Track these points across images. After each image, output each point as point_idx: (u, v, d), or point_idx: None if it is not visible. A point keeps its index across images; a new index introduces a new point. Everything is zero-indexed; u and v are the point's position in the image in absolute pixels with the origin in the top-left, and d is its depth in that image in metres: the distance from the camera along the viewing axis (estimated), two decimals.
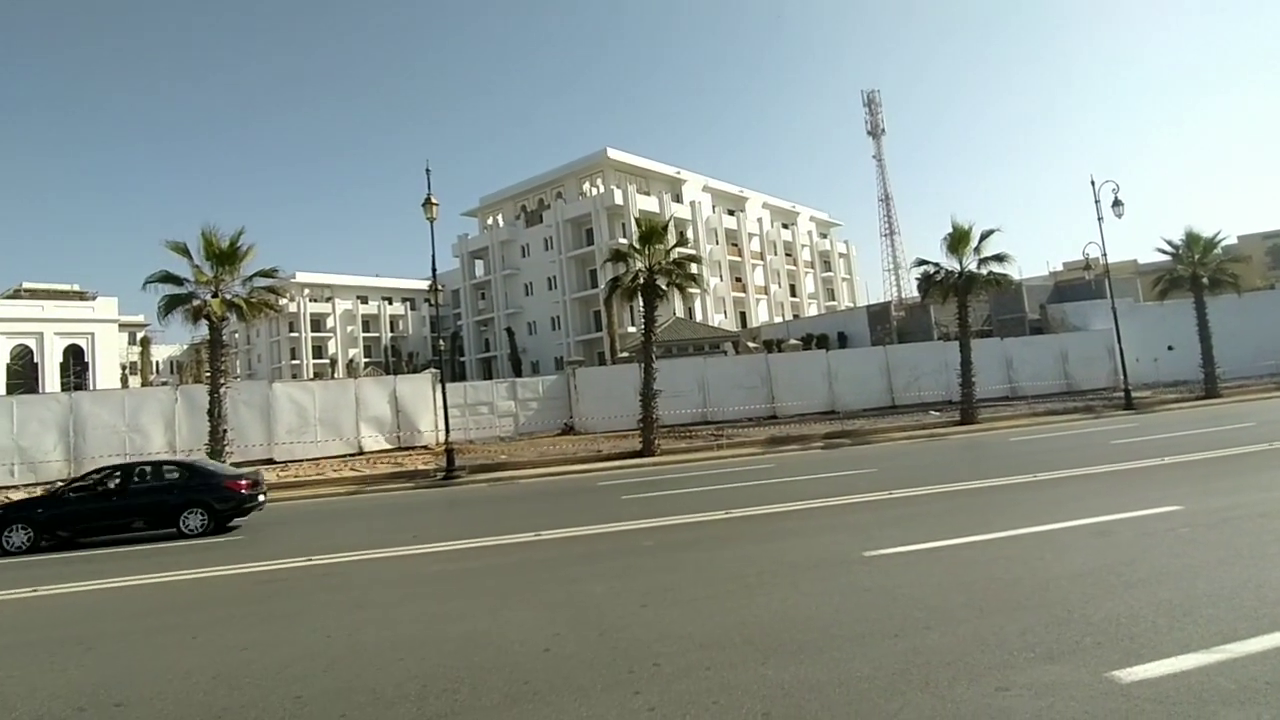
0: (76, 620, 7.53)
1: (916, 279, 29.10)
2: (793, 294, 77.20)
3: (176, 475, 13.59)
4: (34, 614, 8.00)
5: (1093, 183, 28.53)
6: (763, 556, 8.00)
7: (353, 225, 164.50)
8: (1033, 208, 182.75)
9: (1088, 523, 8.33)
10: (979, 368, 27.11)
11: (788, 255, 77.79)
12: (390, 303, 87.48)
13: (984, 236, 26.14)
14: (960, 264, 26.40)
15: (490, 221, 72.75)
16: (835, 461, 17.98)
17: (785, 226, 79.05)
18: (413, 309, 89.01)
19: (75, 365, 44.96)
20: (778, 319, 69.56)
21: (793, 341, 47.26)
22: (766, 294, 73.09)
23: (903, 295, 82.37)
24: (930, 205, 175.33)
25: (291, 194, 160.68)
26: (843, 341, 49.03)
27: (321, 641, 5.96)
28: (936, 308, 39.89)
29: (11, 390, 39.29)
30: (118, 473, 13.57)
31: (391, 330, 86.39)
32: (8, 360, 43.04)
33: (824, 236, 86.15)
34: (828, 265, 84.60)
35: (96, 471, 14.00)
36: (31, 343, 43.97)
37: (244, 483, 13.50)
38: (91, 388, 40.50)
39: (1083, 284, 43.44)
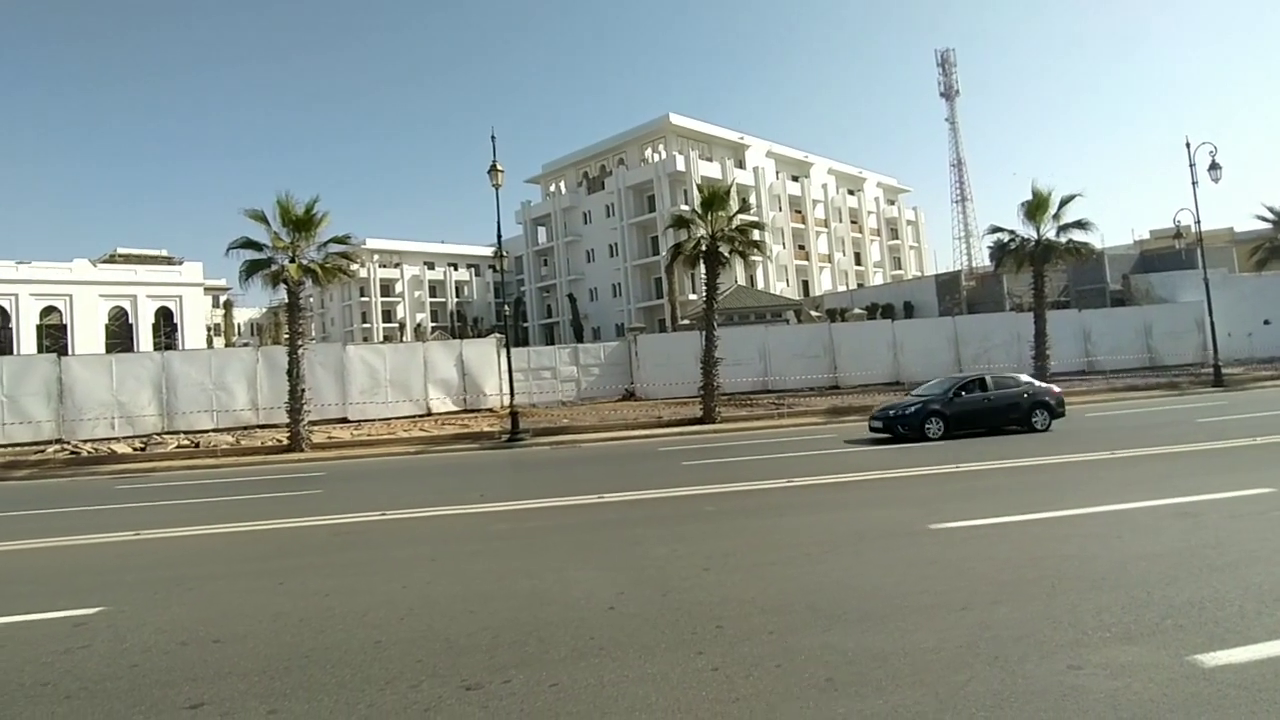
0: (178, 563, 8.07)
1: (989, 247, 28.09)
2: (857, 262, 75.38)
3: None
4: (137, 556, 8.60)
5: (1188, 145, 26.80)
6: (825, 526, 7.99)
7: (420, 194, 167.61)
8: (1118, 173, 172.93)
9: (1170, 503, 8.01)
10: (1054, 340, 26.09)
11: (853, 222, 75.81)
12: (455, 269, 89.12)
13: (1064, 202, 24.96)
14: (1038, 231, 25.32)
15: (553, 188, 73.08)
16: None
17: (851, 193, 76.93)
18: (477, 275, 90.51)
19: (165, 326, 47.55)
20: (841, 288, 68.14)
21: (857, 311, 46.28)
22: (830, 262, 71.57)
23: (973, 264, 79.59)
24: (1004, 171, 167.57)
25: (362, 164, 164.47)
26: (909, 311, 47.77)
27: (397, 591, 6.25)
28: (1009, 277, 38.37)
29: (110, 349, 41.92)
30: None
31: (457, 296, 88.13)
32: (106, 321, 45.81)
33: (891, 203, 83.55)
34: (895, 233, 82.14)
35: None
36: (126, 305, 46.65)
37: None
38: (180, 348, 42.82)
39: (1172, 253, 41.09)
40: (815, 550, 6.89)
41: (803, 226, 68.88)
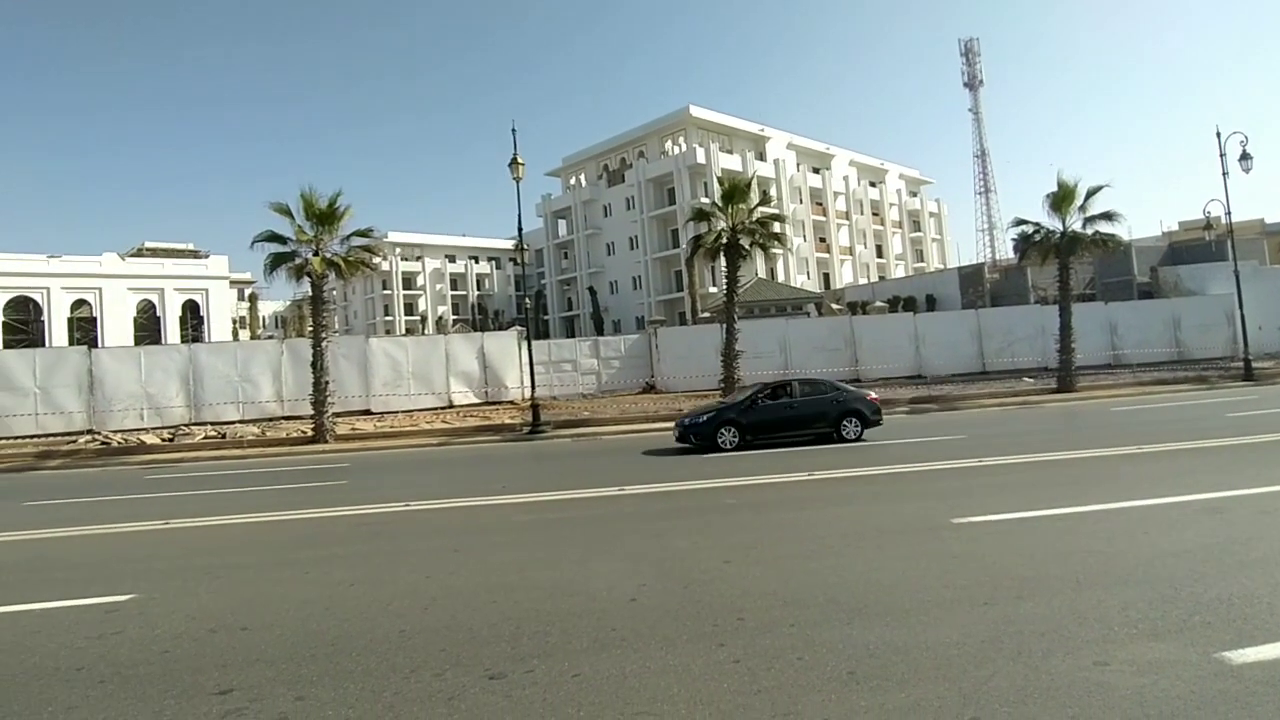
0: (206, 552, 8.23)
1: (1013, 240, 27.72)
2: (879, 255, 74.66)
3: None
4: (167, 544, 8.78)
5: (1218, 134, 26.21)
6: (846, 519, 7.97)
7: (440, 187, 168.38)
8: (1147, 163, 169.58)
9: (1198, 498, 7.89)
10: (1080, 333, 25.70)
11: (874, 214, 75.05)
12: (476, 261, 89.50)
13: (1090, 194, 24.51)
14: (1063, 223, 24.89)
15: (573, 181, 73.09)
16: (922, 427, 17.56)
17: (873, 185, 76.13)
18: (498, 268, 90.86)
19: (192, 319, 48.27)
20: (862, 280, 67.54)
21: (878, 304, 45.89)
22: (851, 254, 70.98)
23: (997, 256, 78.50)
24: (1029, 162, 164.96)
25: (383, 157, 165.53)
26: (931, 304, 47.27)
27: (421, 581, 6.33)
28: (1034, 270, 37.75)
29: (138, 342, 42.63)
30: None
31: (478, 289, 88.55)
32: (134, 314, 46.58)
33: (914, 195, 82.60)
34: (917, 225, 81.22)
35: None
36: (154, 298, 47.36)
37: None
38: (207, 340, 43.44)
39: (1201, 245, 40.21)
40: (837, 543, 6.88)
41: (824, 219, 68.33)
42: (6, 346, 37.34)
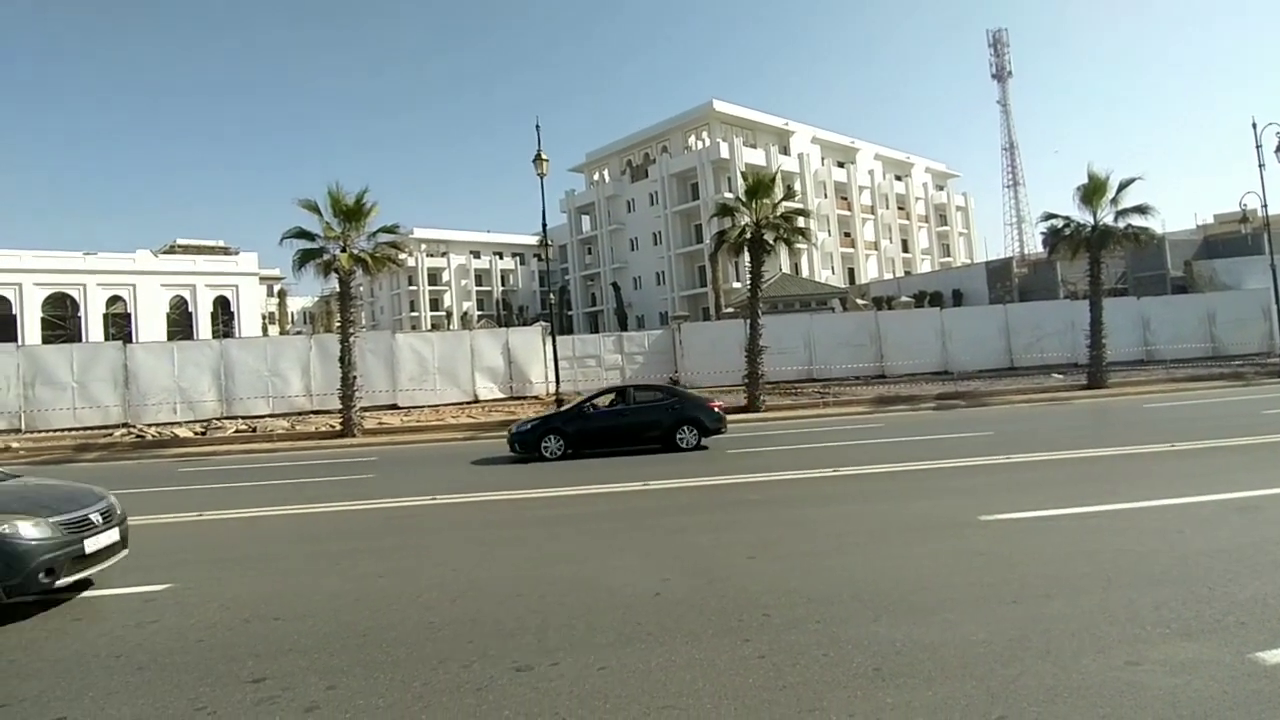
0: (239, 543, 8.42)
1: (1042, 233, 27.23)
2: (905, 249, 73.87)
3: None
4: (201, 535, 8.98)
5: (1254, 125, 25.62)
6: (871, 516, 7.93)
7: (465, 184, 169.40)
8: (1181, 156, 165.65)
9: (1233, 497, 7.74)
10: (1111, 329, 25.23)
11: (900, 208, 74.24)
12: (501, 257, 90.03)
13: (1123, 186, 24.03)
14: (1094, 217, 24.43)
15: (596, 177, 73.20)
16: (948, 423, 17.37)
17: (898, 178, 75.28)
18: (522, 264, 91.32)
19: (223, 315, 49.16)
20: (888, 275, 66.88)
21: (904, 299, 45.42)
22: (877, 249, 70.31)
23: (1026, 251, 77.26)
24: (1059, 155, 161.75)
25: (408, 155, 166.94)
26: (958, 299, 46.71)
27: (448, 574, 6.42)
28: (1064, 264, 37.16)
29: (171, 337, 43.54)
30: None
31: (502, 284, 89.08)
32: (168, 310, 47.55)
33: (940, 189, 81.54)
34: (943, 219, 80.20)
35: None
36: (186, 294, 48.31)
37: None
38: (237, 336, 44.22)
39: (1237, 238, 39.33)
40: (862, 540, 6.85)
41: (849, 213, 67.75)
42: (45, 342, 38.28)
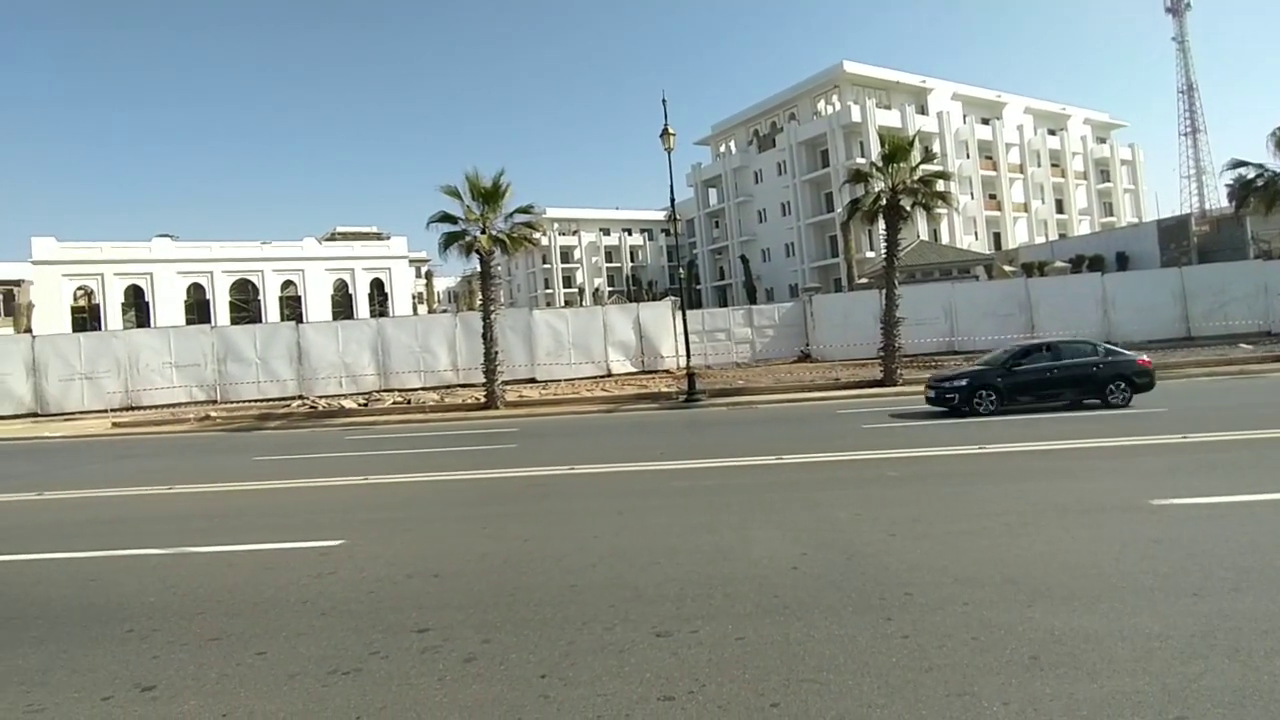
0: (399, 506, 9.14)
1: (1228, 185, 24.25)
2: (1059, 210, 67.85)
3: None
4: (366, 498, 9.82)
5: None
6: (1025, 496, 7.45)
7: (593, 162, 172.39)
8: None
9: None
10: None
11: (1054, 165, 68.03)
12: (629, 234, 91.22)
13: None
14: None
15: (722, 149, 72.22)
16: None
17: (1052, 132, 68.88)
18: (650, 239, 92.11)
19: (378, 295, 53.13)
20: (1039, 239, 61.79)
21: (1059, 264, 41.87)
22: (1026, 211, 65.00)
23: (1207, 206, 68.86)
24: (1246, 97, 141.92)
25: (539, 136, 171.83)
26: (1122, 263, 42.48)
27: (589, 540, 6.67)
28: (1254, 220, 32.83)
29: (335, 317, 47.64)
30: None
31: (631, 260, 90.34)
32: (331, 292, 51.98)
33: (1102, 141, 73.96)
34: (1105, 175, 72.77)
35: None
36: (346, 277, 52.65)
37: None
38: (391, 315, 47.67)
39: None
40: (1013, 521, 6.46)
41: (994, 173, 62.94)
42: (232, 323, 43.00)
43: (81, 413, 25.26)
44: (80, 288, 45.51)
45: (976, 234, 60.68)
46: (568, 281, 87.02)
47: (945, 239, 55.02)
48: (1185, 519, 6.26)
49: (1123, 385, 14.29)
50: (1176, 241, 41.61)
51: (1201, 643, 3.83)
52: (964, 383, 14.62)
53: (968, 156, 61.45)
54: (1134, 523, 6.21)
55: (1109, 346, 15.57)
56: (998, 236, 62.32)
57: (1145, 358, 15.03)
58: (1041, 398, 14.68)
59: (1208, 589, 4.59)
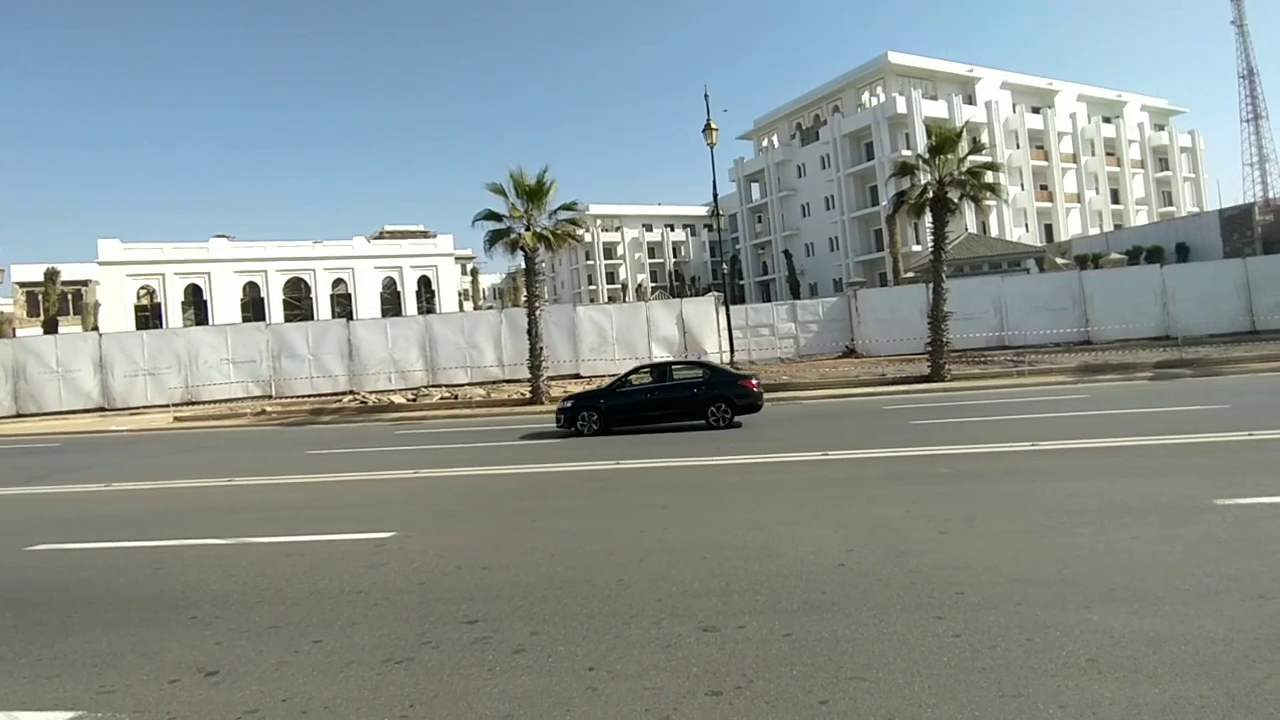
0: (449, 499, 9.33)
1: None
2: (1114, 200, 65.51)
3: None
4: (416, 491, 10.05)
5: None
6: (1081, 494, 7.25)
7: (636, 158, 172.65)
8: None
9: None
10: None
11: (1109, 154, 65.66)
12: (672, 229, 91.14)
13: None
14: None
15: (765, 143, 71.56)
16: (1171, 395, 15.38)
17: (1106, 120, 66.47)
18: (692, 234, 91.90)
19: (425, 293, 54.12)
20: (1094, 230, 59.75)
21: (1114, 256, 40.43)
22: (1079, 202, 62.93)
23: (1271, 195, 65.72)
24: None
25: (581, 133, 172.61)
26: (1182, 254, 40.89)
27: (637, 535, 6.72)
28: None
29: (384, 314, 48.70)
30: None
31: (674, 255, 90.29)
32: (380, 290, 53.13)
33: (1160, 128, 71.10)
34: (1163, 163, 69.95)
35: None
36: (395, 275, 53.78)
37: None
38: (438, 312, 48.53)
39: None
40: (1069, 520, 6.30)
41: (1045, 164, 61.07)
42: (286, 320, 44.27)
43: (145, 407, 26.37)
44: (143, 287, 47.39)
45: (1027, 226, 59.04)
46: (611, 278, 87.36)
47: (994, 231, 53.64)
48: (1253, 519, 6.02)
49: (723, 406, 14.39)
50: (1240, 231, 39.88)
51: (1267, 647, 3.69)
52: (570, 404, 15.07)
53: (1017, 146, 59.80)
54: (1198, 522, 6.00)
55: (724, 368, 16.52)
56: (1049, 228, 60.54)
57: (753, 380, 15.12)
58: (639, 419, 14.87)
59: (1275, 591, 4.42)
